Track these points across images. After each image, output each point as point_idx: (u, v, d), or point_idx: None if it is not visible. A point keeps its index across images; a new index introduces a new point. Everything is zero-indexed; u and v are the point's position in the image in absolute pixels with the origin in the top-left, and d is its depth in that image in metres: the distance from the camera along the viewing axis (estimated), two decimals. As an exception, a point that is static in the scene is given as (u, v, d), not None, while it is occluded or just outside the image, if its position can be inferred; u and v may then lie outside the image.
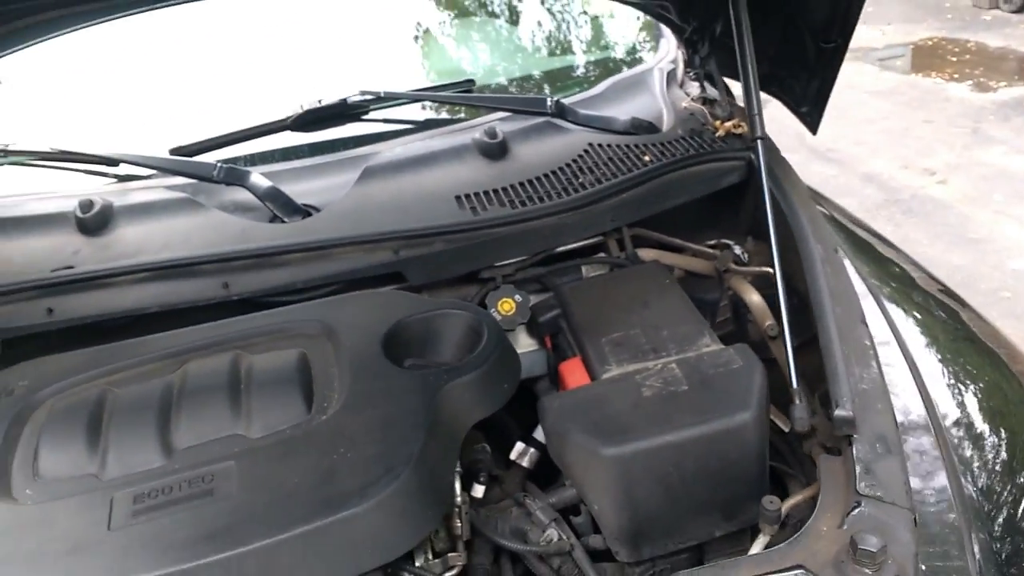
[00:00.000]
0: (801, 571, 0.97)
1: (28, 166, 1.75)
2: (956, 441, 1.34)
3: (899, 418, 1.25)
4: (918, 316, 1.65)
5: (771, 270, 1.50)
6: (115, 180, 1.76)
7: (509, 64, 2.30)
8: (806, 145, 5.62)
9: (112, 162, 1.72)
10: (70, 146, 1.73)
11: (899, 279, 1.81)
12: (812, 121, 1.82)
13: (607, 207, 1.58)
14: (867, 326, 1.32)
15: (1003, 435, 1.38)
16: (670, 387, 1.24)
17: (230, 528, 0.99)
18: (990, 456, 1.34)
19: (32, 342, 1.41)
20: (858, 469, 1.07)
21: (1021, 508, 1.25)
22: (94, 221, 1.55)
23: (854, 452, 1.09)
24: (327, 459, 1.07)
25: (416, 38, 2.30)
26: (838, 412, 1.12)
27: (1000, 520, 1.22)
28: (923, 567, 1.02)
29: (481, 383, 1.21)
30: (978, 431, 1.39)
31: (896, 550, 0.98)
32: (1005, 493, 1.27)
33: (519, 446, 1.39)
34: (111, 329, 1.41)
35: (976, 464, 1.31)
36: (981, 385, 1.49)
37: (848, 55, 1.61)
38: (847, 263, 1.67)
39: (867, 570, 0.95)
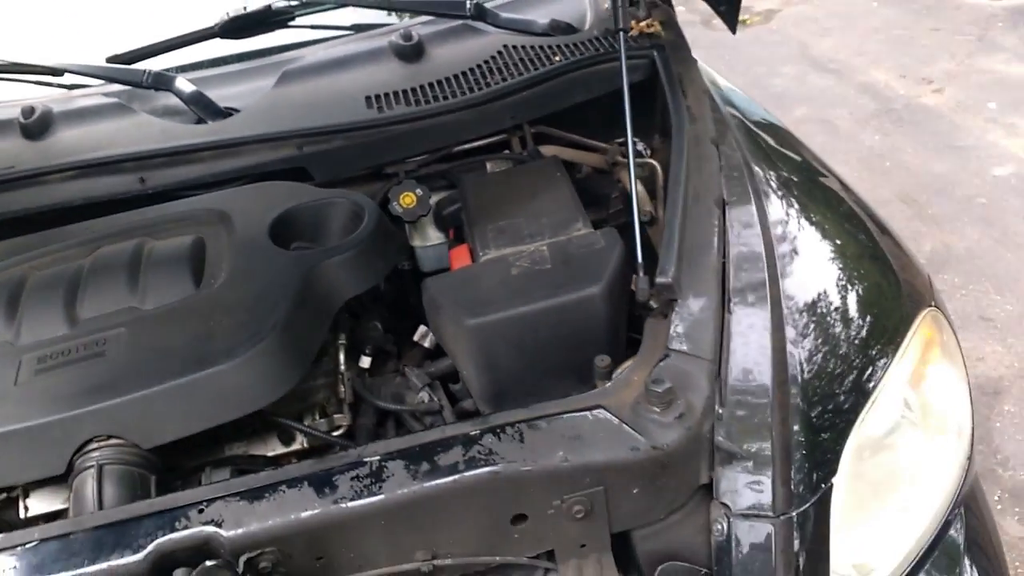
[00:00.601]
0: (600, 410, 1.09)
1: (-18, 78, 1.89)
2: (831, 321, 1.45)
3: (744, 292, 1.35)
4: (837, 238, 1.72)
5: (654, 163, 1.60)
6: (65, 89, 1.89)
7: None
8: (807, 57, 5.54)
9: (56, 72, 1.84)
10: (20, 58, 1.86)
11: (831, 204, 1.86)
12: (729, 20, 1.85)
13: (506, 105, 1.66)
14: (722, 211, 1.41)
15: (867, 320, 1.48)
16: (536, 266, 1.35)
17: (113, 382, 1.14)
18: (853, 333, 1.44)
19: None
20: (672, 328, 1.18)
21: (867, 372, 1.35)
22: (35, 126, 1.69)
23: (674, 315, 1.20)
24: (204, 326, 1.21)
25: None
26: (659, 279, 1.23)
27: (849, 380, 1.33)
28: (721, 411, 1.12)
29: (354, 262, 1.33)
30: (850, 316, 1.49)
31: (691, 395, 1.10)
32: (857, 361, 1.37)
33: (421, 329, 1.51)
34: (43, 221, 1.55)
35: (841, 338, 1.42)
36: (866, 284, 1.58)
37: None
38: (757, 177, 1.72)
39: (656, 408, 1.07)
